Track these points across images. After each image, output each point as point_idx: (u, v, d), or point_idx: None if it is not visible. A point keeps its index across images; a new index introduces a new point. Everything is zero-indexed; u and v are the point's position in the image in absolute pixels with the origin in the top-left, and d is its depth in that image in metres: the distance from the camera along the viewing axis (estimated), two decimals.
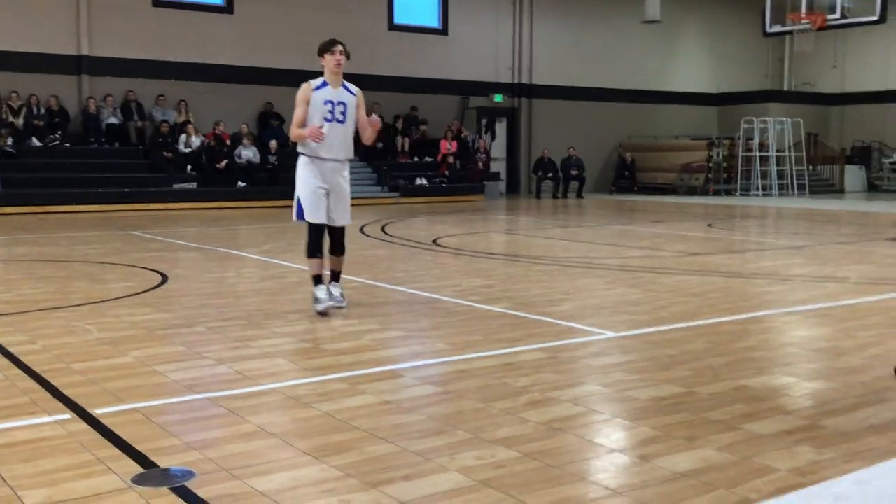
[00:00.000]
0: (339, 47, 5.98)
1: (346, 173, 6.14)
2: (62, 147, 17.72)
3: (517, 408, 3.72)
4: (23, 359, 4.51)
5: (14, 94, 17.48)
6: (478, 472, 2.95)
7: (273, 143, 19.08)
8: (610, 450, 3.24)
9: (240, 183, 18.31)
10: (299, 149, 6.04)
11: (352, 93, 6.09)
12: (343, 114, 6.01)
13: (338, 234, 6.21)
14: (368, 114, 6.34)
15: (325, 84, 5.99)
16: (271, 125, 19.91)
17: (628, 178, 24.42)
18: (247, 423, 3.47)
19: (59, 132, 17.77)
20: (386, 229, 13.03)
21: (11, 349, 4.73)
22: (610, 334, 5.36)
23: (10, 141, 17.04)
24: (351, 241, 11.54)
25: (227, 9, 20.02)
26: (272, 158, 18.98)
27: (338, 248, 6.25)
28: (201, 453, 3.09)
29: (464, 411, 3.68)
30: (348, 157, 6.12)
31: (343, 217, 6.16)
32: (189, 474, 2.88)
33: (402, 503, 2.67)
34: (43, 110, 17.85)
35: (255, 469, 2.95)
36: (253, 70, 19.84)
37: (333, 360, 4.63)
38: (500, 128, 24.35)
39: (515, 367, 4.48)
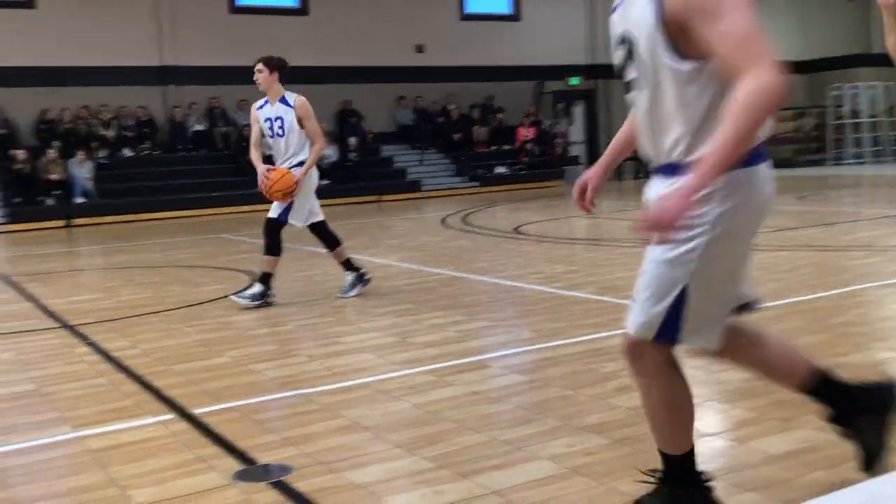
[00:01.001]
0: (257, 65, 6.28)
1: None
2: (152, 156, 18.37)
3: (606, 393, 3.70)
4: (125, 363, 4.71)
5: (104, 108, 18.19)
6: (569, 459, 2.95)
7: (352, 141, 19.34)
8: (703, 433, 3.19)
9: (323, 181, 18.64)
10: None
11: (290, 105, 6.29)
12: (281, 128, 6.30)
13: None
14: None
15: (266, 102, 6.37)
16: (350, 123, 20.17)
17: None
18: (340, 418, 3.55)
19: (149, 142, 18.42)
20: (467, 219, 13.07)
21: (114, 354, 4.94)
22: None
23: (103, 153, 17.73)
24: (433, 233, 11.67)
25: (302, 10, 20.36)
26: (352, 156, 19.25)
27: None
28: (298, 448, 3.18)
29: (552, 399, 3.68)
30: (300, 161, 6.32)
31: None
32: (287, 469, 2.96)
33: (495, 492, 2.69)
34: (132, 121, 18.52)
35: (351, 462, 3.02)
36: (329, 69, 20.11)
37: (420, 352, 4.69)
38: (578, 111, 24.08)
39: (602, 352, 4.45)
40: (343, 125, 20.20)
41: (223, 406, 3.81)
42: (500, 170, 20.81)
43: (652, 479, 2.46)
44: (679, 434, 2.39)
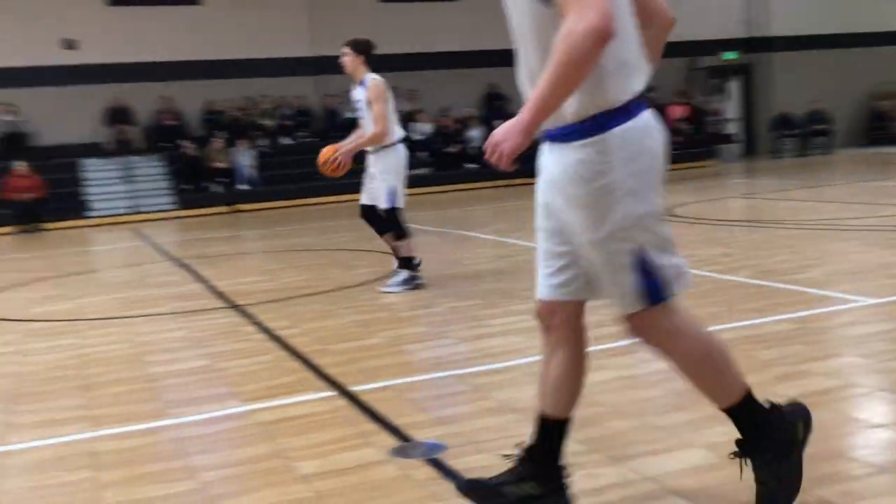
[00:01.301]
0: (343, 48, 6.36)
1: (373, 162, 6.47)
2: (309, 143, 19.11)
3: (766, 382, 3.56)
4: (288, 341, 4.95)
5: (264, 98, 19.08)
6: (726, 448, 2.86)
7: (497, 124, 19.41)
8: (873, 425, 3.03)
9: (469, 165, 18.81)
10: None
11: (363, 86, 6.32)
12: (361, 110, 6.42)
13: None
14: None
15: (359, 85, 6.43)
16: (496, 106, 20.23)
17: (881, 129, 22.31)
18: (490, 400, 3.60)
19: (305, 130, 19.18)
20: None
21: (277, 333, 5.21)
22: (867, 301, 4.98)
23: (263, 141, 18.61)
24: None
25: None
26: None
27: None
28: (450, 428, 3.26)
29: None
30: (375, 146, 6.39)
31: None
32: (441, 447, 3.04)
33: (650, 478, 2.67)
34: (290, 111, 19.33)
35: (502, 443, 3.06)
36: (476, 53, 20.21)
37: None
38: (733, 86, 23.12)
39: (761, 338, 4.29)
40: (489, 108, 20.28)
41: (379, 384, 3.94)
42: None
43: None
44: (727, 381, 2.34)
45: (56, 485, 2.98)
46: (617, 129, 2.11)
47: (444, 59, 20.15)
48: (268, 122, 19.00)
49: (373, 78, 6.28)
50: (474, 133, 19.29)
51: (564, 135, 2.18)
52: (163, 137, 18.10)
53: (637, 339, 2.33)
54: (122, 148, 17.74)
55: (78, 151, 17.42)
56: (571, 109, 2.11)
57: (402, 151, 6.49)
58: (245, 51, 18.76)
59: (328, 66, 19.59)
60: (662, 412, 3.30)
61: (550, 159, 2.28)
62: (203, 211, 16.80)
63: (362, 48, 6.35)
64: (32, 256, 11.79)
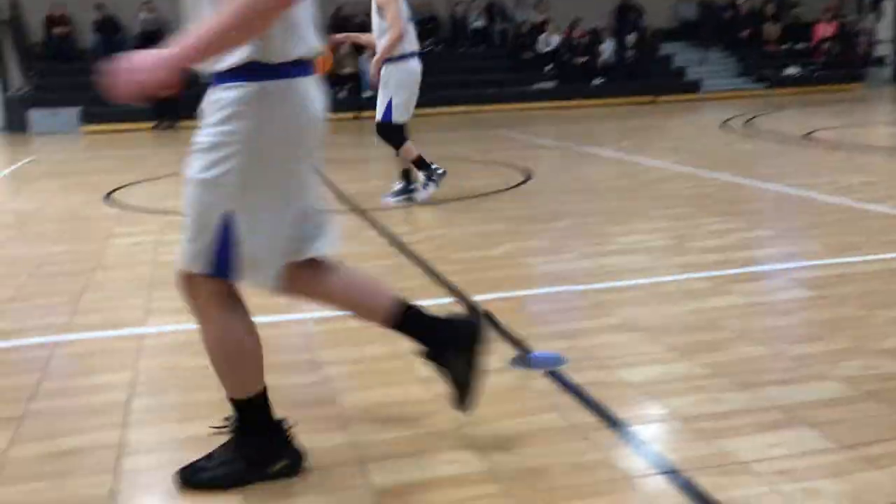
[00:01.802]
0: None
1: (383, 72, 6.24)
2: (434, 52, 18.95)
3: None
4: (409, 247, 5.00)
5: None
6: (862, 382, 2.74)
7: (630, 38, 18.67)
8: None
9: (597, 80, 18.27)
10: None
11: None
12: (373, 14, 6.21)
13: None
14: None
15: None
16: (628, 19, 19.45)
17: None
18: (613, 316, 3.54)
19: (432, 38, 18.99)
20: (751, 123, 12.25)
21: (400, 238, 5.26)
22: None
23: None
24: (712, 137, 11.09)
25: None
26: (629, 54, 18.62)
27: None
28: (570, 342, 3.23)
29: (844, 318, 3.41)
30: (382, 55, 6.15)
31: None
32: (560, 360, 3.02)
33: (778, 407, 2.57)
34: (417, 18, 19.17)
35: (623, 360, 3.02)
36: None
37: (698, 258, 4.53)
38: (889, 5, 21.39)
39: None
40: (621, 22, 19.52)
41: (499, 295, 3.93)
42: (792, 70, 19.18)
43: (225, 427, 2.28)
44: (240, 376, 2.21)
45: (189, 367, 3.12)
46: (263, 85, 1.99)
47: None
48: None
49: None
50: (605, 46, 18.65)
51: (216, 81, 2.06)
52: None
53: (179, 290, 2.18)
54: None
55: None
56: (230, 58, 1.99)
57: (413, 65, 6.24)
58: None
59: None
60: (794, 342, 3.16)
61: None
62: (330, 116, 17.00)
63: None
64: (168, 151, 12.28)
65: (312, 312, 3.79)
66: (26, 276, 4.65)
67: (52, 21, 17.40)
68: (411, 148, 6.44)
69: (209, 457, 2.28)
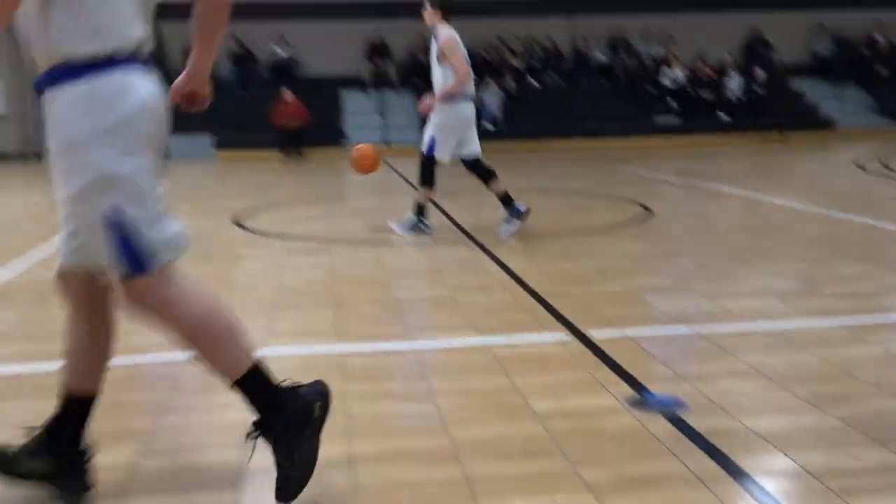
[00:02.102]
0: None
1: (436, 111, 6.50)
2: (556, 86, 18.98)
3: None
4: (525, 280, 4.97)
5: (515, 39, 19.11)
6: None
7: (760, 73, 18.16)
8: None
9: (722, 115, 17.83)
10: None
11: (437, 39, 6.47)
12: (433, 61, 6.59)
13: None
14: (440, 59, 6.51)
15: None
16: (758, 53, 18.94)
17: None
18: (737, 361, 3.40)
19: (553, 72, 19.03)
20: (889, 163, 11.65)
21: (516, 271, 5.24)
22: None
23: (511, 82, 18.72)
24: (846, 176, 10.62)
25: None
26: (757, 89, 18.10)
27: None
28: (692, 385, 3.12)
29: None
30: (439, 97, 6.46)
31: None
32: (681, 404, 2.92)
33: None
34: (539, 52, 19.24)
35: (748, 408, 2.89)
36: None
37: (830, 303, 4.32)
38: None
39: None
40: (750, 56, 19.04)
41: (617, 332, 3.85)
42: None
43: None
44: (231, 353, 2.21)
45: None
46: (80, 84, 1.99)
47: (701, 3, 19.09)
48: (517, 63, 19.04)
49: (444, 31, 6.35)
50: (732, 81, 18.21)
51: (48, 81, 2.06)
52: (416, 73, 18.70)
53: (132, 310, 2.13)
54: (379, 82, 18.55)
55: (339, 83, 18.46)
56: (43, 57, 2.02)
57: (464, 110, 6.53)
58: None
59: (584, 6, 19.26)
60: None
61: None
62: None
63: (437, 3, 6.44)
64: (294, 179, 12.71)
65: (427, 341, 3.82)
66: None
67: (189, 52, 18.36)
68: (434, 193, 6.80)
69: (279, 465, 2.24)
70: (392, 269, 5.50)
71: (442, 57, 6.40)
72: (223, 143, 16.64)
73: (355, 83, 18.62)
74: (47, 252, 6.25)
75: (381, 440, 2.71)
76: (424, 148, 6.61)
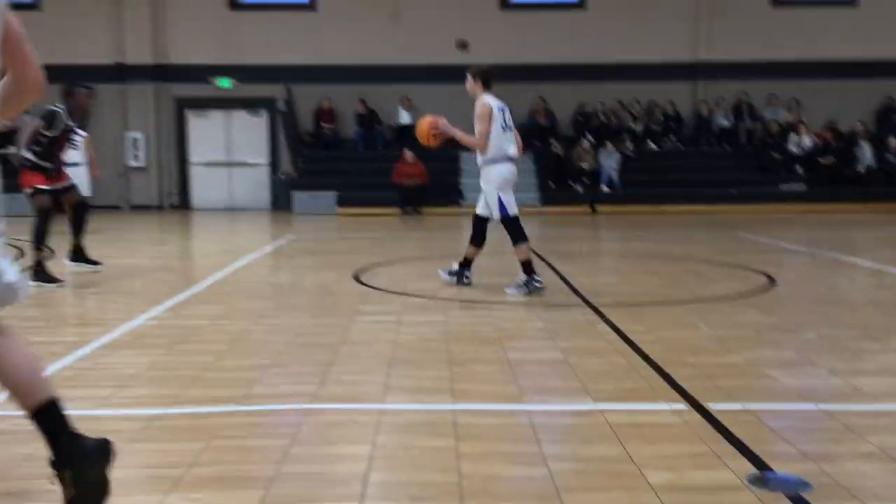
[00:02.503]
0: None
1: (481, 175, 6.99)
2: (676, 150, 18.78)
3: None
4: (641, 347, 4.90)
5: (635, 102, 19.08)
6: None
7: (893, 141, 17.46)
8: None
9: (853, 185, 17.19)
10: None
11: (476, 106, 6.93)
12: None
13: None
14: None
15: None
16: (892, 121, 18.24)
17: None
18: (865, 443, 3.25)
19: (674, 136, 18.86)
20: None
21: (631, 336, 5.18)
22: None
23: (630, 145, 18.63)
24: None
25: (851, 1, 19.00)
26: (890, 157, 17.39)
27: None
28: (817, 465, 3.00)
29: None
30: (480, 160, 6.99)
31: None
32: (805, 485, 2.81)
33: None
34: (660, 116, 19.12)
35: (878, 493, 2.76)
36: (871, 64, 18.39)
37: None
38: None
39: None
40: (883, 123, 18.35)
41: (737, 406, 3.75)
42: None
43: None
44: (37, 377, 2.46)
45: (422, 447, 3.24)
46: None
47: (830, 69, 18.59)
48: (636, 126, 18.98)
49: (482, 100, 6.85)
50: (863, 149, 17.57)
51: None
52: (534, 136, 18.89)
53: None
54: None
55: (458, 145, 18.81)
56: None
57: (503, 170, 6.88)
58: (622, 54, 18.88)
59: (708, 71, 19.10)
60: None
61: None
62: (565, 209, 17.25)
63: (480, 74, 6.94)
64: (413, 236, 12.98)
65: (539, 404, 3.82)
66: (283, 344, 5.07)
67: (320, 113, 19.17)
68: (528, 247, 6.93)
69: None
70: (505, 328, 5.53)
71: (476, 122, 6.85)
72: (345, 201, 17.18)
73: None
74: (179, 299, 6.60)
75: (493, 502, 2.72)
76: (497, 212, 6.90)
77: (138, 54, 19.06)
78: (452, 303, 6.51)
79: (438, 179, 17.31)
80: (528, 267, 6.82)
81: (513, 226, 6.90)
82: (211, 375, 4.29)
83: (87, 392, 3.96)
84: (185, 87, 19.30)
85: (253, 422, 3.59)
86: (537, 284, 6.76)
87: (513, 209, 6.91)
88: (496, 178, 6.87)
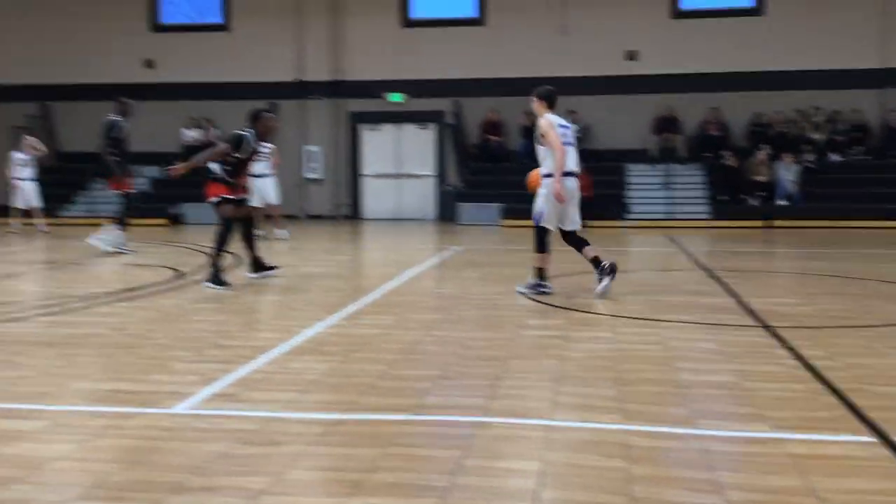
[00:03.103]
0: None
1: (542, 184, 7.61)
2: (862, 161, 17.67)
3: None
4: (824, 373, 4.67)
5: (816, 110, 18.11)
6: None
7: None
8: None
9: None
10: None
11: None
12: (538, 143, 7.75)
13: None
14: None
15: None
16: None
17: None
18: None
19: (860, 147, 17.75)
20: None
21: (812, 362, 4.93)
22: None
23: (810, 156, 17.70)
24: None
25: None
26: None
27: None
28: None
29: None
30: (544, 173, 7.64)
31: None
32: None
33: None
34: (844, 125, 18.07)
35: None
36: None
37: None
38: None
39: None
40: None
41: None
42: None
43: None
44: None
45: (591, 467, 3.24)
46: None
47: None
48: (817, 137, 18.02)
49: (545, 118, 7.43)
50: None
51: None
52: (705, 147, 18.33)
53: None
54: (666, 156, 18.40)
55: (624, 157, 18.57)
56: None
57: (564, 184, 7.38)
58: (801, 61, 18.02)
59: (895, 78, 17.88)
60: None
61: None
62: (737, 223, 16.62)
63: (545, 96, 7.60)
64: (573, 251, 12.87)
65: (709, 430, 3.72)
66: (452, 355, 5.19)
67: (486, 126, 19.43)
68: (546, 257, 7.67)
69: None
70: (676, 349, 5.41)
71: (542, 138, 7.49)
72: (510, 213, 17.31)
73: (640, 156, 18.62)
74: (353, 309, 6.90)
75: None
76: (534, 219, 7.63)
77: (317, 71, 20.06)
78: (619, 319, 6.44)
79: (603, 192, 17.13)
80: (541, 273, 7.62)
81: (540, 236, 7.58)
82: (385, 384, 4.46)
83: (274, 395, 4.23)
84: (359, 102, 20.12)
85: (426, 431, 3.71)
86: (545, 289, 7.57)
87: (550, 223, 7.54)
88: (547, 192, 7.45)
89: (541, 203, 7.57)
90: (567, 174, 7.45)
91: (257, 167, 9.59)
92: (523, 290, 7.65)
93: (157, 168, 18.82)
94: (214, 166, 8.07)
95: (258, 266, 8.50)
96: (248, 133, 8.05)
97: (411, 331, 5.98)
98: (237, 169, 8.12)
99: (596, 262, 7.51)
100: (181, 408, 4.02)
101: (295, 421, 3.84)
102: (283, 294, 7.88)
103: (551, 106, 7.60)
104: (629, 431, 3.66)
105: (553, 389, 4.36)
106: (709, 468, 3.24)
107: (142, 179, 19.72)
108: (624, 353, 5.26)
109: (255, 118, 8.21)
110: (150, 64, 20.43)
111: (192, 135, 19.67)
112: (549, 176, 7.48)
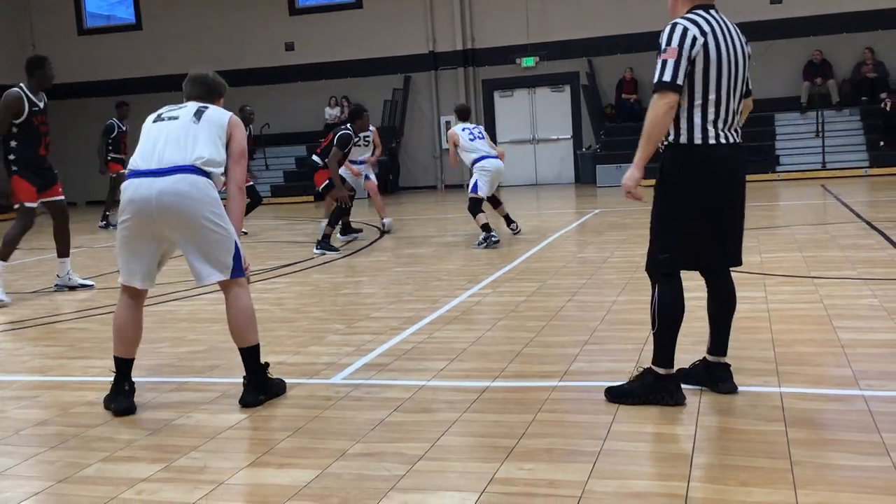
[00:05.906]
0: None
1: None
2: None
3: None
4: None
5: None
6: None
7: None
8: None
9: None
10: None
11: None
12: None
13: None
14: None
15: None
16: None
17: None
18: None
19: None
20: None
21: None
22: None
23: None
24: None
25: None
26: None
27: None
28: None
29: None
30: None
31: None
32: None
33: None
34: None
35: None
36: None
37: None
38: None
39: None
40: None
41: None
42: None
43: None
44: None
45: (749, 430, 3.17)
46: None
47: None
48: None
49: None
50: None
51: None
52: (861, 91, 17.23)
53: None
54: (818, 102, 17.41)
55: (774, 105, 17.68)
56: None
57: (484, 164, 9.22)
58: None
59: None
60: None
61: None
62: None
63: None
64: None
65: (873, 391, 3.56)
66: (598, 321, 5.17)
67: (622, 85, 18.97)
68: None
69: None
70: (834, 307, 5.16)
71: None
72: (648, 172, 16.88)
73: (791, 104, 17.70)
74: (496, 276, 6.97)
75: (829, 492, 2.61)
76: (469, 189, 9.24)
77: (448, 41, 20.13)
78: (772, 277, 6.20)
79: (750, 145, 16.41)
80: (486, 227, 8.90)
81: (473, 203, 9.17)
82: (532, 351, 4.51)
83: (425, 364, 4.36)
84: (491, 69, 20.07)
85: (576, 397, 3.73)
86: (492, 240, 8.79)
87: (481, 191, 9.16)
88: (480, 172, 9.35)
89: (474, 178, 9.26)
90: (484, 157, 9.32)
91: (362, 155, 10.70)
92: (475, 245, 8.87)
93: (305, 147, 19.47)
94: (317, 158, 9.89)
95: (325, 244, 9.37)
96: (349, 130, 9.55)
97: (555, 297, 5.99)
98: (341, 161, 9.55)
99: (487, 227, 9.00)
100: (338, 378, 4.22)
101: (446, 389, 3.94)
102: (428, 265, 8.05)
103: None
104: (786, 394, 3.55)
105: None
106: (875, 430, 3.11)
107: (289, 159, 20.53)
108: (779, 312, 5.08)
109: (353, 117, 9.75)
110: (290, 46, 21.09)
111: (333, 113, 20.24)
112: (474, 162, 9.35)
